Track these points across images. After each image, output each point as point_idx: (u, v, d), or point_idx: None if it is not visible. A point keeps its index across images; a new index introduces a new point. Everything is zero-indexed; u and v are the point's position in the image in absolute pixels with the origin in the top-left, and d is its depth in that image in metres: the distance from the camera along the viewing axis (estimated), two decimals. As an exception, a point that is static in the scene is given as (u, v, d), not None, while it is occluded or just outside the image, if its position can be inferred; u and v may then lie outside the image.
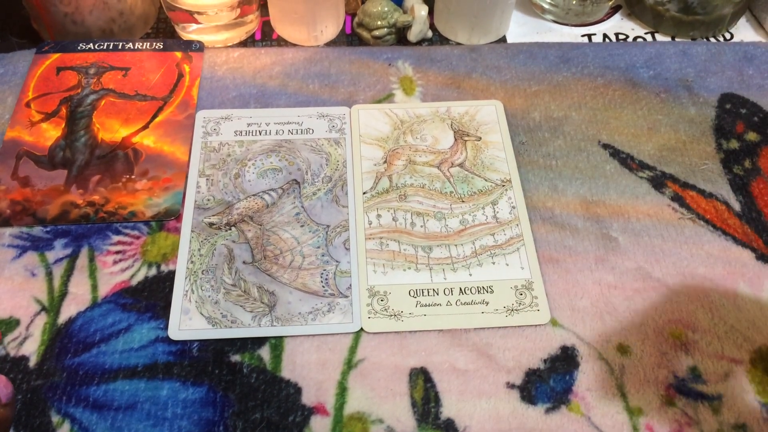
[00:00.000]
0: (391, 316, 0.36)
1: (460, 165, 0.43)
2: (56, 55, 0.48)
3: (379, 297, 0.37)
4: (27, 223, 0.40)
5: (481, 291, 0.37)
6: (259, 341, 0.36)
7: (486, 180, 0.42)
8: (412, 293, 0.37)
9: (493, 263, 0.38)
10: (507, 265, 0.38)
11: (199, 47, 0.49)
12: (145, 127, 0.44)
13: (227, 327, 0.36)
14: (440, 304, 0.37)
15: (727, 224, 0.40)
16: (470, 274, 0.38)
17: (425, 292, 0.37)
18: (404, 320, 0.36)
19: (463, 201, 0.41)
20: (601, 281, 0.38)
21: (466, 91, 0.47)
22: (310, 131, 0.44)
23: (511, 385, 0.34)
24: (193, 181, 0.42)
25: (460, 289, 0.37)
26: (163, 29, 0.52)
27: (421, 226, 0.40)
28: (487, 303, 0.37)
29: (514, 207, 0.41)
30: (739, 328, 0.36)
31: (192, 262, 0.38)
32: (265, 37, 0.51)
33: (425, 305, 0.37)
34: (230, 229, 0.39)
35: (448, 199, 0.41)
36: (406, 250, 0.39)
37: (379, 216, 0.40)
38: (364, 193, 0.41)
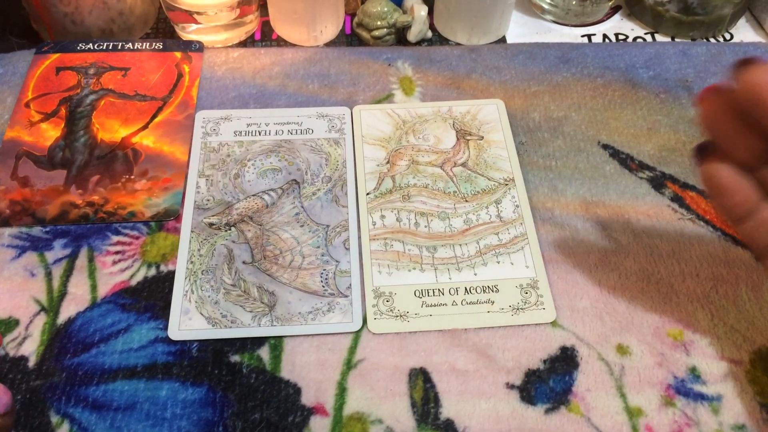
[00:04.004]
0: (397, 316, 0.36)
1: (463, 164, 0.43)
2: (56, 55, 0.47)
3: (384, 298, 0.37)
4: (26, 223, 0.39)
5: (487, 290, 0.37)
6: (259, 341, 0.36)
7: (489, 179, 0.42)
8: (417, 293, 0.37)
9: (498, 262, 0.39)
10: (512, 264, 0.38)
11: (199, 47, 0.49)
12: (145, 127, 0.44)
13: (227, 327, 0.36)
14: (446, 304, 0.37)
15: (727, 225, 0.40)
16: (475, 274, 0.38)
17: (431, 293, 0.37)
18: (410, 321, 0.36)
19: (466, 200, 0.41)
20: (601, 282, 0.38)
21: (466, 91, 0.47)
22: (310, 131, 0.44)
23: (510, 386, 0.34)
24: (193, 182, 0.42)
25: (466, 288, 0.38)
26: (163, 29, 0.52)
27: (425, 226, 0.40)
28: (493, 302, 0.37)
29: (517, 206, 0.41)
30: (739, 328, 0.36)
31: (192, 262, 0.38)
32: (265, 37, 0.51)
33: (431, 305, 0.37)
34: (230, 230, 0.39)
35: (451, 198, 0.41)
36: (411, 250, 0.39)
37: (383, 217, 0.40)
38: (367, 194, 0.41)
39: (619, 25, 0.54)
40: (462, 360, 0.35)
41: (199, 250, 0.39)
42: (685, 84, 0.48)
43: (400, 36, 0.51)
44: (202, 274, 0.38)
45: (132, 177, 0.42)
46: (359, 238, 0.40)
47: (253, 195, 0.41)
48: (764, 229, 0.30)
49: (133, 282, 0.37)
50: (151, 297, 0.37)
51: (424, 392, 0.34)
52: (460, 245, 0.39)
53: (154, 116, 0.45)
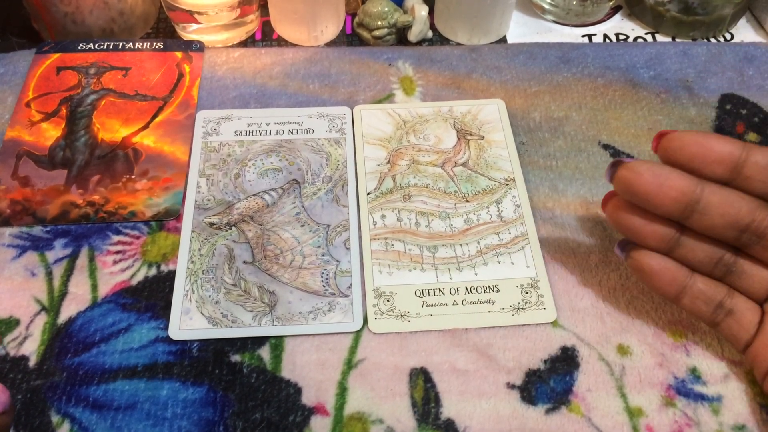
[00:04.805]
0: (398, 316, 0.36)
1: (464, 164, 0.43)
2: (56, 55, 0.47)
3: (385, 298, 0.37)
4: (27, 222, 0.39)
5: (487, 290, 0.37)
6: (260, 341, 0.36)
7: (490, 179, 0.42)
8: (418, 293, 0.37)
9: (499, 262, 0.39)
10: (512, 263, 0.38)
11: (200, 47, 0.49)
12: (145, 127, 0.44)
13: (228, 327, 0.36)
14: (446, 304, 0.37)
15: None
16: (476, 274, 0.38)
17: (431, 292, 0.37)
18: (411, 320, 0.36)
19: (467, 200, 0.41)
20: (602, 282, 0.38)
21: (467, 91, 0.47)
22: (311, 131, 0.44)
23: (511, 386, 0.34)
24: (194, 181, 0.42)
25: (466, 288, 0.38)
26: (164, 29, 0.52)
27: (426, 226, 0.40)
28: (494, 302, 0.37)
29: (518, 206, 0.41)
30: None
31: (192, 261, 0.38)
32: (266, 37, 0.51)
33: (431, 305, 0.37)
34: (230, 229, 0.39)
35: (452, 198, 0.41)
36: (412, 250, 0.39)
37: (383, 216, 0.40)
38: (368, 193, 0.41)
39: (619, 25, 0.54)
40: (462, 360, 0.35)
41: (199, 249, 0.39)
42: (685, 84, 0.48)
43: (400, 36, 0.51)
44: (203, 273, 0.38)
45: (132, 177, 0.42)
46: (360, 237, 0.40)
47: (254, 195, 0.41)
48: (701, 301, 0.33)
49: (134, 282, 0.37)
50: (152, 297, 0.37)
51: (424, 392, 0.34)
52: (461, 245, 0.39)
53: (154, 116, 0.45)
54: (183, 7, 0.47)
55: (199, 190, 0.41)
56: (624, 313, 0.37)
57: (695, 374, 0.35)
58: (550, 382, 0.34)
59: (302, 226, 0.40)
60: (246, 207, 0.40)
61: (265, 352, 0.35)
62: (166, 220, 0.40)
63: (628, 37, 0.53)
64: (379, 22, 0.49)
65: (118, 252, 0.39)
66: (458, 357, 0.35)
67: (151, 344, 0.35)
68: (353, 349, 0.35)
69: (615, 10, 0.55)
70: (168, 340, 0.35)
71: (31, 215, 0.40)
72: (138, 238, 0.39)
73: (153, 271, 0.38)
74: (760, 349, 0.32)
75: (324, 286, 0.37)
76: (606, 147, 0.44)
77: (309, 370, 0.35)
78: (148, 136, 0.44)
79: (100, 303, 0.37)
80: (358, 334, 0.36)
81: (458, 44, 0.51)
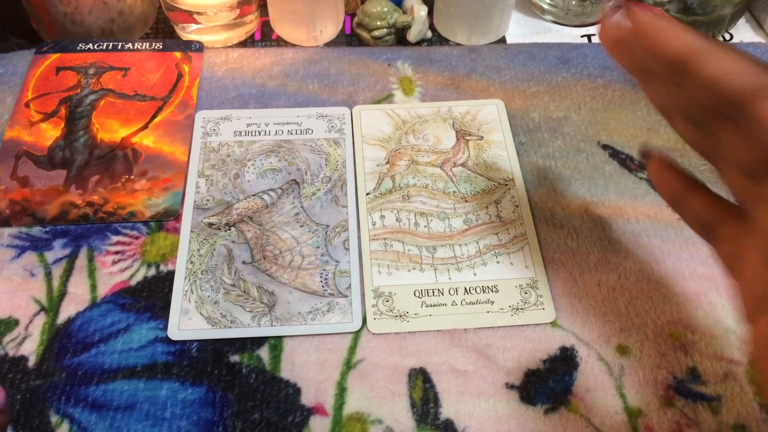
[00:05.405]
0: (397, 316, 0.36)
1: (463, 165, 0.43)
2: (56, 55, 0.47)
3: (384, 298, 0.37)
4: (26, 223, 0.39)
5: (486, 290, 0.37)
6: (259, 341, 0.36)
7: (489, 179, 0.42)
8: (417, 294, 0.37)
9: (498, 262, 0.39)
10: (511, 264, 0.38)
11: (199, 47, 0.49)
12: (145, 127, 0.44)
13: (227, 327, 0.36)
14: (446, 304, 0.37)
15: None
16: (475, 274, 0.38)
17: (430, 293, 0.37)
18: (410, 321, 0.36)
19: (466, 201, 0.41)
20: (601, 282, 0.38)
21: (466, 91, 0.47)
22: (310, 131, 0.44)
23: (510, 386, 0.34)
24: (193, 182, 0.42)
25: (465, 288, 0.38)
26: (163, 29, 0.52)
27: (425, 227, 0.40)
28: (493, 302, 0.37)
29: (517, 206, 0.41)
30: (738, 329, 0.36)
31: (191, 262, 0.38)
32: (265, 37, 0.51)
33: (430, 305, 0.37)
34: (230, 230, 0.39)
35: (451, 198, 0.41)
36: (411, 250, 0.39)
37: (382, 217, 0.40)
38: (367, 194, 0.41)
39: (618, 25, 0.54)
40: (462, 360, 0.35)
41: (198, 250, 0.39)
42: (684, 84, 0.48)
43: (400, 36, 0.51)
44: (202, 274, 0.38)
45: (132, 177, 0.42)
46: (359, 238, 0.40)
47: (253, 195, 0.41)
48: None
49: (133, 282, 0.37)
50: (151, 297, 0.37)
51: (423, 392, 0.34)
52: (460, 245, 0.39)
53: (153, 116, 0.45)
54: (182, 7, 0.47)
55: (198, 190, 0.41)
56: (623, 313, 0.37)
57: (694, 374, 0.35)
58: (549, 382, 0.34)
59: (301, 226, 0.40)
60: (245, 207, 0.40)
61: (264, 353, 0.35)
62: (165, 220, 0.40)
63: (627, 37, 0.53)
64: (379, 23, 0.49)
65: (117, 252, 0.39)
66: (457, 357, 0.35)
67: (150, 344, 0.35)
68: (352, 350, 0.35)
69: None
70: (167, 341, 0.35)
71: (30, 215, 0.40)
72: (137, 238, 0.39)
73: (152, 272, 0.38)
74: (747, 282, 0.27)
75: (323, 286, 0.37)
76: (605, 147, 0.44)
77: (308, 370, 0.35)
78: (147, 136, 0.44)
79: (100, 303, 0.37)
80: (357, 335, 0.36)
81: (457, 44, 0.51)
